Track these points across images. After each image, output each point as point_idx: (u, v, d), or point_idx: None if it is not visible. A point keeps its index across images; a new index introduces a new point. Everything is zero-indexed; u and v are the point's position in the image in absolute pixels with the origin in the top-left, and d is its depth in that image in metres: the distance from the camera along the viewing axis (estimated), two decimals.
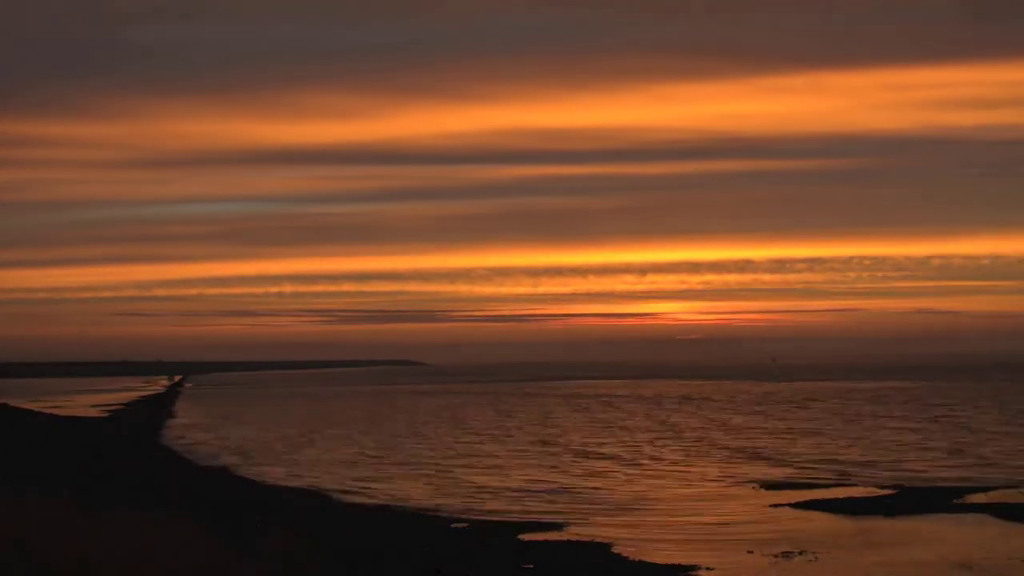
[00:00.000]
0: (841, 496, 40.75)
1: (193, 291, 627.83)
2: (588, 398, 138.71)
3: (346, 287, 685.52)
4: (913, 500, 39.07)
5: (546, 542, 31.03)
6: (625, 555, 29.02)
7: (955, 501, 38.71)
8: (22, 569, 15.57)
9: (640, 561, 28.23)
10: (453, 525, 34.67)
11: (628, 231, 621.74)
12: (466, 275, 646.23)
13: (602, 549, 29.89)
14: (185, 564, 16.77)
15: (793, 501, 39.36)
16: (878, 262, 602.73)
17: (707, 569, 27.15)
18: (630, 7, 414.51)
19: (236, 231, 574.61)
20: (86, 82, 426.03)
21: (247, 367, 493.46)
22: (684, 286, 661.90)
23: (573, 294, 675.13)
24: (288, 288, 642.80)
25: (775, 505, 38.73)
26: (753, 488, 43.85)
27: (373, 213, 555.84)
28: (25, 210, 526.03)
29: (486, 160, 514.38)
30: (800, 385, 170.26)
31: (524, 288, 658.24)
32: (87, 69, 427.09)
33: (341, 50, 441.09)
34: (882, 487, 43.28)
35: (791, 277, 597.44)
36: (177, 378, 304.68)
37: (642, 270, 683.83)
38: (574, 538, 31.87)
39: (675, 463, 54.42)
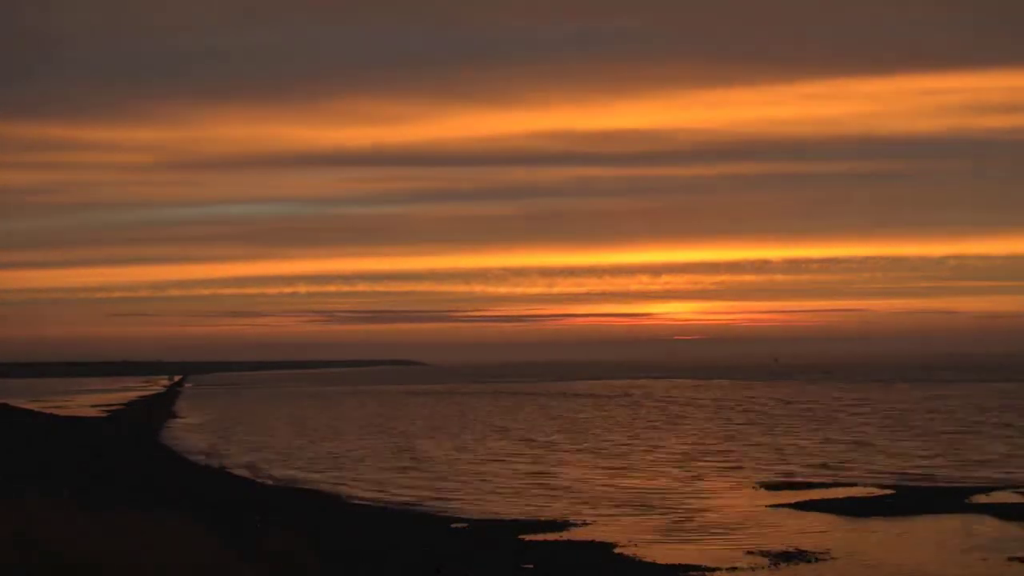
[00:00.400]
0: (841, 496, 40.75)
1: (207, 292, 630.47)
2: (593, 398, 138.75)
3: (360, 287, 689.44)
4: (913, 500, 39.05)
5: (546, 542, 31.02)
6: (625, 555, 29.03)
7: (956, 501, 38.70)
8: (22, 569, 15.57)
9: (640, 561, 28.24)
10: (453, 525, 34.66)
11: (643, 232, 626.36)
12: (482, 275, 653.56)
13: (602, 549, 29.89)
14: (185, 564, 16.77)
15: (793, 501, 39.37)
16: (893, 262, 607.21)
17: (707, 569, 27.15)
18: (658, 17, 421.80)
19: (257, 232, 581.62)
20: (123, 87, 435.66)
21: (248, 367, 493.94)
22: (698, 286, 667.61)
23: (588, 294, 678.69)
24: (303, 288, 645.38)
25: (775, 505, 38.73)
26: (753, 488, 43.86)
27: (393, 215, 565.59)
28: (53, 212, 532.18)
29: (509, 162, 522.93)
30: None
31: (539, 288, 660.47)
32: (125, 75, 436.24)
33: (371, 56, 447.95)
34: (882, 487, 43.28)
35: (806, 277, 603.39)
36: (177, 378, 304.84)
37: (656, 271, 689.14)
38: (574, 538, 31.88)
39: (678, 463, 54.48)
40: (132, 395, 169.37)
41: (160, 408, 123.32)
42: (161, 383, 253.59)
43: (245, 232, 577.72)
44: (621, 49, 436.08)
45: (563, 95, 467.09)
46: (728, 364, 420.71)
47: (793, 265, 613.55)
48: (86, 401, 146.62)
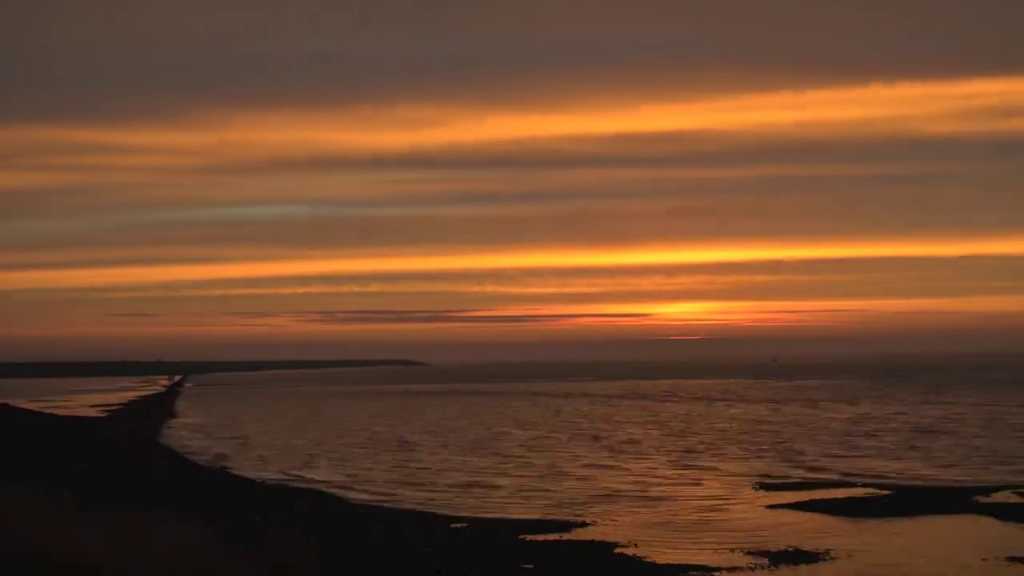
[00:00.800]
0: (841, 496, 40.73)
1: (218, 292, 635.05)
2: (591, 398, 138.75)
3: (374, 287, 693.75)
4: (913, 500, 39.02)
5: (546, 542, 31.02)
6: (625, 555, 29.01)
7: (955, 502, 38.68)
8: (22, 569, 15.57)
9: (640, 561, 28.22)
10: (453, 525, 34.66)
11: (661, 233, 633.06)
12: (495, 276, 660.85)
13: (602, 549, 29.87)
14: (185, 564, 16.77)
15: (793, 501, 39.35)
16: (907, 263, 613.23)
17: (707, 569, 27.13)
18: (689, 25, 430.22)
19: (273, 233, 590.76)
20: (170, 92, 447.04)
21: (248, 367, 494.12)
22: (711, 286, 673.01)
23: (600, 294, 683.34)
24: (316, 289, 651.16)
25: (775, 506, 38.71)
26: (753, 488, 43.85)
27: (417, 216, 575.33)
28: (82, 212, 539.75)
29: (534, 165, 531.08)
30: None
31: (551, 288, 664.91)
32: (172, 80, 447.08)
33: (398, 63, 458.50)
34: (882, 487, 43.25)
35: (819, 278, 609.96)
36: (177, 378, 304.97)
37: (669, 271, 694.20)
38: (574, 538, 31.87)
39: (677, 462, 54.48)
40: (132, 395, 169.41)
41: (160, 408, 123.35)
42: (161, 383, 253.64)
43: (261, 233, 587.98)
44: (652, 56, 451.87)
45: (591, 100, 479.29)
46: (727, 364, 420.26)
47: (808, 266, 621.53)
48: (86, 401, 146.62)
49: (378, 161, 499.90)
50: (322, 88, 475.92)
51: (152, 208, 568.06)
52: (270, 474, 52.46)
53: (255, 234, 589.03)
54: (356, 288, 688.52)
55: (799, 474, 48.65)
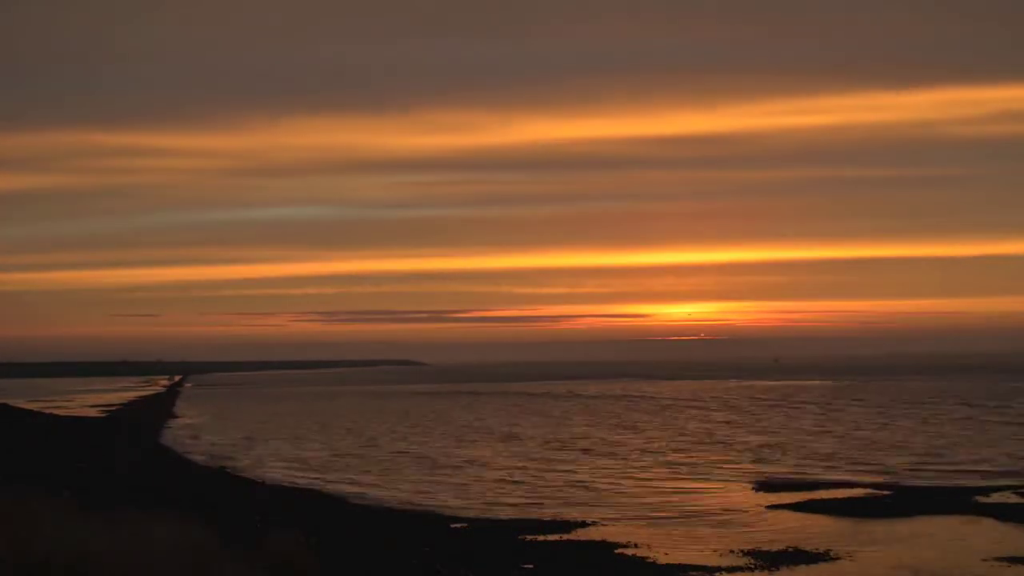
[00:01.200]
0: (840, 496, 40.73)
1: (219, 292, 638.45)
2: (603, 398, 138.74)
3: (386, 288, 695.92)
4: (913, 500, 39.02)
5: (546, 542, 31.03)
6: (625, 555, 29.02)
7: (956, 501, 38.68)
8: (23, 569, 15.58)
9: (640, 561, 28.23)
10: (453, 525, 34.67)
11: (663, 233, 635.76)
12: (507, 276, 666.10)
13: (602, 549, 29.88)
14: (185, 564, 16.77)
15: (793, 502, 39.35)
16: (909, 264, 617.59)
17: (707, 569, 27.14)
18: (720, 32, 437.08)
19: (277, 234, 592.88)
20: (188, 96, 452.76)
21: (250, 367, 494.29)
22: (717, 287, 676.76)
23: (612, 294, 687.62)
24: (330, 289, 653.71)
25: (775, 505, 38.72)
26: (752, 489, 43.84)
27: (418, 218, 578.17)
28: (84, 214, 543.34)
29: (551, 168, 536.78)
30: None
31: (563, 288, 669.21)
32: (212, 87, 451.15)
33: (430, 68, 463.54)
34: (882, 487, 43.25)
35: (829, 278, 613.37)
36: (177, 378, 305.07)
37: (678, 272, 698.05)
38: (574, 538, 31.88)
39: (675, 463, 54.49)
40: (132, 395, 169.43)
41: (160, 408, 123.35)
42: (161, 383, 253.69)
43: (262, 235, 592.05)
44: (669, 60, 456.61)
45: (607, 104, 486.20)
46: (732, 364, 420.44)
47: (813, 266, 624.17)
48: (86, 401, 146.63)
49: (386, 165, 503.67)
50: (336, 93, 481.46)
51: (155, 211, 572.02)
52: (271, 474, 52.48)
53: (256, 236, 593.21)
54: (356, 288, 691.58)
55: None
